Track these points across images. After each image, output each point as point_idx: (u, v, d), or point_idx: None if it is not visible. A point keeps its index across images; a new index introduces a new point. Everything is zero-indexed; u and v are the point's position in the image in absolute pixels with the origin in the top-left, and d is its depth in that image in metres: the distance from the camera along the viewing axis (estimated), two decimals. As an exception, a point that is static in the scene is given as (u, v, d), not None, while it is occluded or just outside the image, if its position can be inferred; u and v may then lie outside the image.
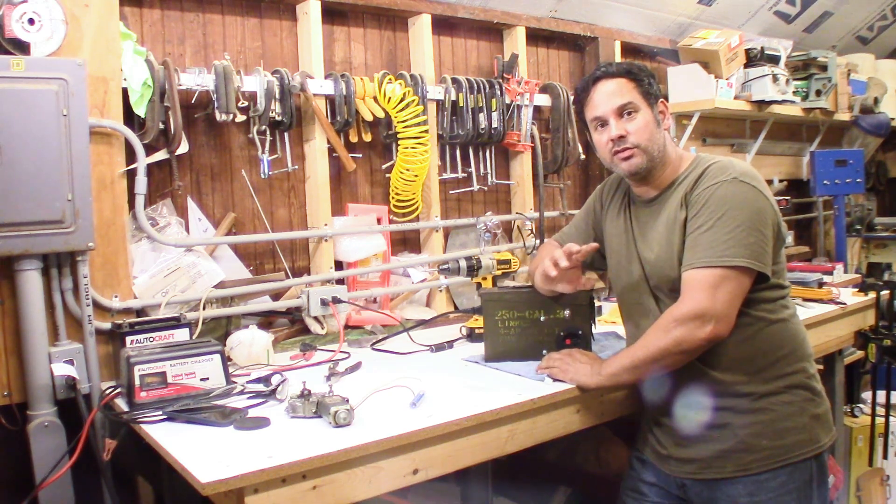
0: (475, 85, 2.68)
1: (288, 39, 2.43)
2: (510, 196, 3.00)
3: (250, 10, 2.36)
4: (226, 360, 1.74)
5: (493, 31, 2.96)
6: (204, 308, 2.07)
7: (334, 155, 2.41)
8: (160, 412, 1.55)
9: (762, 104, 3.48)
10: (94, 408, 1.71)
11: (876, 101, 4.19)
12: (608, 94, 1.64)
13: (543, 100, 2.95)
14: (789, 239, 4.05)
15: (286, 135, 2.33)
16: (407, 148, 2.49)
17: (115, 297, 1.94)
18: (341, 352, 2.10)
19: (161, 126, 2.02)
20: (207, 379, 1.68)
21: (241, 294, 2.21)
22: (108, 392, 1.73)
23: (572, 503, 2.30)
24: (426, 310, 2.66)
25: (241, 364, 1.95)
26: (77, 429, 1.67)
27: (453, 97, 2.64)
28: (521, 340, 1.92)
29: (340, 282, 2.44)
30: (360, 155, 2.52)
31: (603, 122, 1.66)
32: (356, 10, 2.57)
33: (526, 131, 2.85)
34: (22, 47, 1.73)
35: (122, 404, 1.66)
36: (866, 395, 3.15)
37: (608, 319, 2.45)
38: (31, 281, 1.73)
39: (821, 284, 2.70)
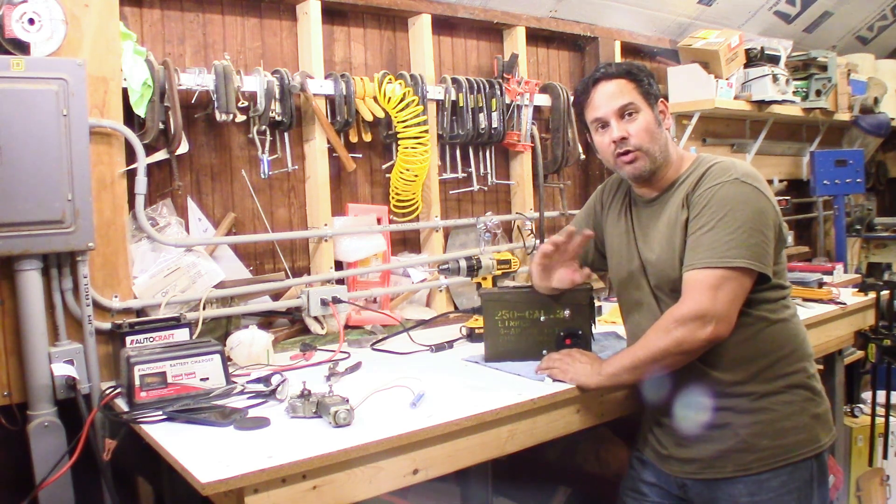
0: (475, 85, 2.68)
1: (288, 39, 2.43)
2: (510, 196, 3.00)
3: (250, 10, 2.36)
4: (226, 360, 1.74)
5: (493, 31, 2.96)
6: (204, 308, 2.07)
7: (334, 155, 2.41)
8: (160, 412, 1.55)
9: (762, 104, 3.48)
10: (94, 408, 1.71)
11: (876, 101, 4.19)
12: (608, 96, 1.64)
13: (543, 100, 2.95)
14: (789, 239, 4.05)
15: (286, 135, 2.33)
16: (407, 148, 2.49)
17: (115, 297, 1.94)
18: (341, 352, 2.10)
19: (161, 126, 2.02)
20: (207, 379, 1.68)
21: (241, 294, 2.21)
22: (108, 392, 1.73)
23: (572, 503, 2.30)
24: (426, 310, 2.66)
25: (241, 364, 1.95)
26: (77, 429, 1.67)
27: (453, 97, 2.64)
28: (521, 340, 1.92)
29: (340, 282, 2.44)
30: (360, 155, 2.52)
31: (604, 124, 1.66)
32: (356, 10, 2.57)
33: (526, 131, 2.85)
34: (22, 47, 1.73)
35: (122, 404, 1.66)
36: (866, 395, 3.15)
37: (608, 319, 2.45)
38: (31, 281, 1.73)
39: (821, 284, 2.70)
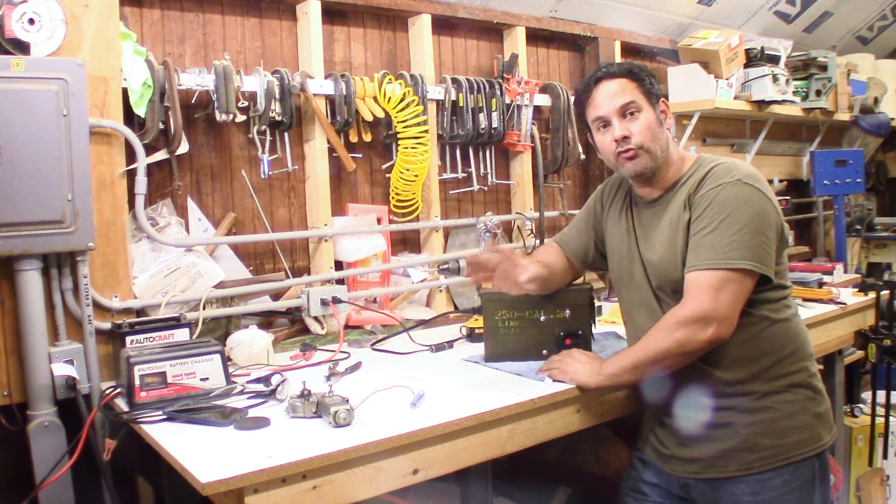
0: (475, 85, 2.68)
1: (288, 39, 2.43)
2: (510, 196, 3.00)
3: (250, 10, 2.36)
4: (226, 360, 1.74)
5: (493, 31, 2.96)
6: (204, 308, 2.07)
7: (334, 155, 2.41)
8: (160, 412, 1.55)
9: (762, 104, 3.48)
10: (94, 408, 1.71)
11: (876, 101, 4.19)
12: (610, 95, 1.64)
13: (543, 100, 2.94)
14: (790, 239, 4.05)
15: (286, 135, 2.33)
16: (407, 148, 2.49)
17: (115, 297, 1.94)
18: (341, 352, 2.10)
19: (161, 126, 2.02)
20: (207, 379, 1.68)
21: (241, 294, 2.21)
22: (108, 392, 1.73)
23: (572, 503, 2.30)
24: (426, 310, 2.66)
25: (241, 364, 1.95)
26: (77, 429, 1.67)
27: (453, 97, 2.64)
28: (521, 340, 1.92)
29: (340, 282, 2.44)
30: (360, 155, 2.52)
31: (605, 123, 1.66)
32: (356, 10, 2.57)
33: (526, 131, 2.85)
34: (22, 47, 1.73)
35: (122, 404, 1.66)
36: (866, 395, 3.15)
37: (608, 319, 2.45)
38: (31, 281, 1.73)
39: (821, 284, 2.70)
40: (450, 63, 2.85)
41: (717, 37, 3.30)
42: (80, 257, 1.80)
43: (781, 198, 3.72)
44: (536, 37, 3.09)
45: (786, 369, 1.59)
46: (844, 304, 2.55)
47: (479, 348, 2.02)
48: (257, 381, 1.78)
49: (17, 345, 1.76)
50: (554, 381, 1.71)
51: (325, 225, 2.41)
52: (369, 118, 2.43)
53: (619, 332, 2.20)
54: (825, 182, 3.81)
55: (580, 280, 2.03)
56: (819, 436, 1.60)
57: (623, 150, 1.63)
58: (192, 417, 1.52)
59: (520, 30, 2.93)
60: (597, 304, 2.22)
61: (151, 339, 1.87)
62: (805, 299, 2.54)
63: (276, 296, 2.35)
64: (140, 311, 2.00)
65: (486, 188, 2.85)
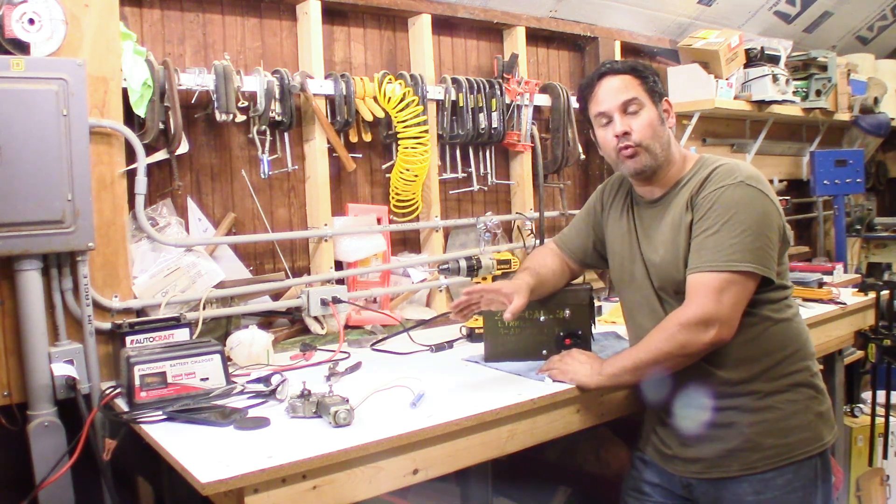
0: (475, 85, 2.68)
1: (288, 39, 2.43)
2: (510, 196, 3.00)
3: (250, 10, 2.36)
4: (226, 360, 1.74)
5: (493, 31, 2.96)
6: (204, 308, 2.07)
7: (334, 155, 2.41)
8: (160, 412, 1.56)
9: (762, 104, 3.47)
10: (94, 408, 1.71)
11: (876, 101, 4.19)
12: (613, 90, 1.64)
13: (543, 100, 2.94)
14: (791, 240, 4.04)
15: (286, 135, 2.33)
16: (407, 148, 2.49)
17: (115, 297, 1.94)
18: (341, 352, 2.10)
19: (161, 126, 2.02)
20: (207, 379, 1.68)
21: (241, 294, 2.21)
22: (108, 392, 1.73)
23: (572, 503, 2.30)
24: (426, 310, 2.66)
25: (241, 364, 1.95)
26: (77, 429, 1.67)
27: (453, 97, 2.64)
28: (521, 340, 1.92)
29: (340, 282, 2.44)
30: (360, 155, 2.52)
31: (607, 119, 1.65)
32: (356, 10, 2.57)
33: (526, 131, 2.85)
34: (22, 47, 1.73)
35: (122, 404, 1.66)
36: (866, 395, 3.15)
37: (608, 319, 2.45)
38: (31, 281, 1.73)
39: (821, 284, 2.70)
40: (450, 63, 2.85)
41: (717, 37, 3.30)
42: (80, 257, 1.80)
43: (781, 198, 3.71)
44: (536, 37, 3.09)
45: (788, 369, 1.59)
46: (844, 304, 2.55)
47: (479, 348, 2.02)
48: (257, 381, 1.78)
49: (17, 345, 1.76)
50: (554, 381, 1.71)
51: (325, 225, 2.41)
52: (369, 118, 2.43)
53: (619, 332, 2.21)
54: (825, 182, 3.81)
55: (580, 280, 2.03)
56: (821, 435, 1.60)
57: (623, 147, 1.63)
58: (192, 417, 1.52)
59: (520, 30, 2.93)
60: (597, 304, 2.22)
61: (151, 339, 1.87)
62: (805, 299, 2.54)
63: (276, 296, 2.35)
64: (140, 311, 2.00)
65: (486, 188, 2.85)
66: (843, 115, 4.07)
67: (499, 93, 2.74)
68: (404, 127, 2.47)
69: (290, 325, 2.35)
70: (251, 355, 1.97)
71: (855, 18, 4.34)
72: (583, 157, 3.06)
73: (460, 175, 2.76)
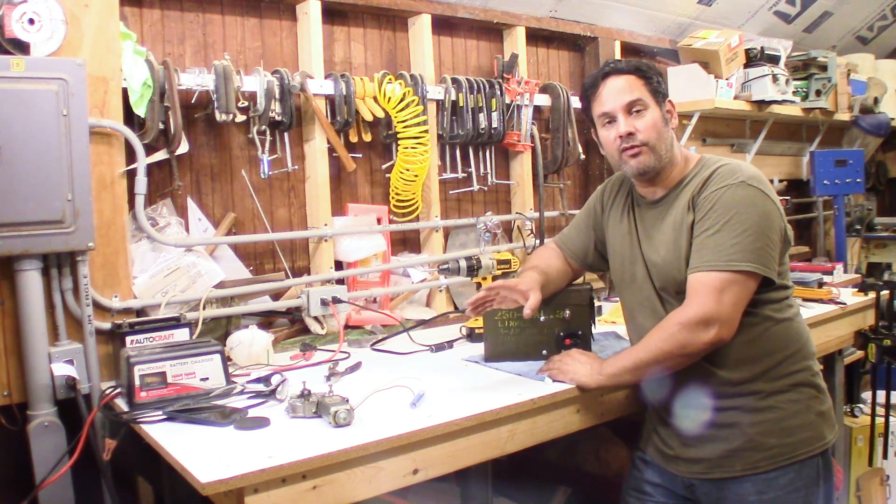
0: (475, 85, 2.68)
1: (288, 39, 2.43)
2: (510, 196, 3.00)
3: (250, 10, 2.36)
4: (226, 360, 1.74)
5: (493, 31, 2.96)
6: (204, 308, 2.07)
7: (334, 155, 2.41)
8: (160, 412, 1.55)
9: (762, 104, 3.47)
10: (94, 408, 1.71)
11: (876, 101, 4.19)
12: (617, 91, 1.64)
13: (543, 100, 2.94)
14: (792, 240, 4.04)
15: (286, 135, 2.33)
16: (407, 148, 2.49)
17: (115, 297, 1.94)
18: (341, 352, 2.10)
19: (161, 126, 2.02)
20: (207, 379, 1.68)
21: (241, 294, 2.21)
22: (108, 392, 1.73)
23: (572, 503, 2.30)
24: (426, 310, 2.66)
25: (241, 364, 1.95)
26: (77, 429, 1.67)
27: (453, 97, 2.64)
28: (521, 340, 1.92)
29: (340, 282, 2.44)
30: (360, 155, 2.52)
31: (611, 119, 1.65)
32: (356, 10, 2.57)
33: (526, 131, 2.85)
34: (22, 47, 1.73)
35: (122, 404, 1.66)
36: (866, 395, 3.15)
37: (608, 319, 2.44)
38: (31, 281, 1.73)
39: (821, 284, 2.69)
40: (450, 63, 2.85)
41: (717, 37, 3.30)
42: (80, 257, 1.80)
43: (782, 198, 3.71)
44: (536, 37, 3.09)
45: (789, 368, 1.60)
46: (844, 304, 2.55)
47: (479, 348, 2.02)
48: (257, 381, 1.78)
49: (17, 345, 1.76)
50: (554, 381, 1.70)
51: (325, 225, 2.40)
52: (369, 118, 2.43)
53: (619, 332, 2.21)
54: (825, 182, 3.81)
55: (580, 280, 2.03)
56: (822, 434, 1.60)
57: (627, 147, 1.62)
58: (192, 417, 1.52)
59: (520, 30, 2.93)
60: (597, 304, 2.22)
61: (151, 339, 1.87)
62: (805, 299, 2.54)
63: (276, 296, 2.35)
64: (140, 311, 2.00)
65: (486, 188, 2.85)
66: (843, 115, 4.07)
67: (499, 93, 2.74)
68: (404, 127, 2.47)
69: (290, 325, 2.35)
70: (251, 355, 1.97)
71: (855, 18, 4.34)
72: (583, 157, 3.06)
73: (460, 175, 2.76)
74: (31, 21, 1.73)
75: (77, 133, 1.74)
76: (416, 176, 2.54)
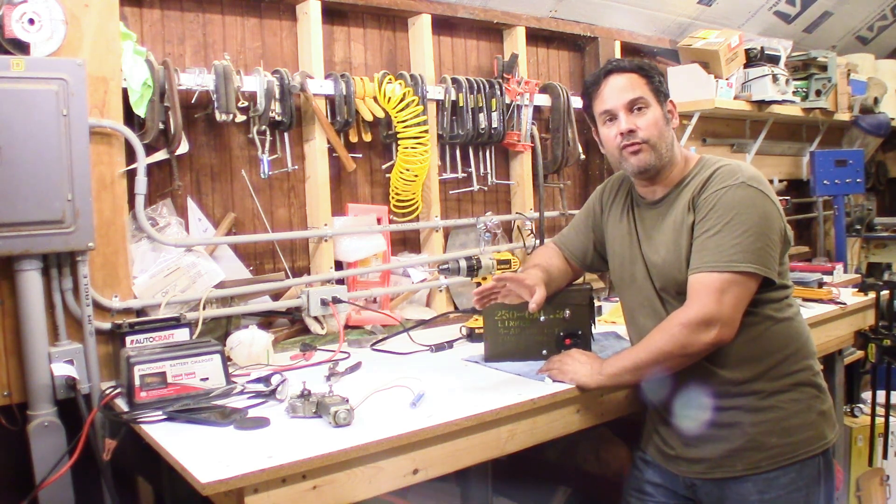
0: (475, 85, 2.68)
1: (288, 39, 2.43)
2: (510, 196, 3.00)
3: (250, 10, 2.36)
4: (226, 360, 1.74)
5: (493, 31, 2.96)
6: (204, 308, 2.07)
7: (334, 155, 2.41)
8: (160, 412, 1.55)
9: (762, 104, 3.47)
10: (94, 408, 1.71)
11: (876, 101, 4.19)
12: (619, 89, 1.64)
13: (543, 100, 2.94)
14: (792, 241, 4.04)
15: (286, 135, 2.33)
16: (407, 148, 2.49)
17: (115, 297, 1.94)
18: (341, 352, 2.10)
19: (161, 126, 2.02)
20: (207, 379, 1.68)
21: (241, 294, 2.21)
22: (108, 392, 1.73)
23: (572, 503, 2.30)
24: (426, 310, 2.66)
25: (241, 364, 1.95)
26: (77, 429, 1.67)
27: (453, 97, 2.64)
28: (520, 340, 1.92)
29: (340, 282, 2.44)
30: (360, 155, 2.52)
31: (612, 117, 1.65)
32: (356, 10, 2.57)
33: (526, 131, 2.85)
34: (22, 47, 1.73)
35: (122, 404, 1.66)
36: (866, 395, 3.15)
37: (608, 319, 2.45)
38: (31, 281, 1.73)
39: (821, 284, 2.69)
40: (450, 63, 2.85)
41: (717, 37, 3.30)
42: (79, 257, 1.80)
43: (781, 198, 3.71)
44: (536, 37, 3.09)
45: (790, 368, 1.60)
46: (844, 304, 2.55)
47: (479, 348, 2.02)
48: (257, 381, 1.78)
49: (17, 345, 1.76)
50: (554, 381, 1.70)
51: (325, 225, 2.40)
52: (369, 118, 2.43)
53: (619, 332, 2.21)
54: (825, 182, 3.81)
55: (580, 280, 2.03)
56: (823, 434, 1.61)
57: (628, 144, 1.62)
58: (192, 417, 1.52)
59: (520, 30, 2.93)
60: (597, 304, 2.22)
61: (151, 339, 1.87)
62: (805, 299, 2.54)
63: (276, 296, 2.35)
64: (140, 311, 2.00)
65: (486, 188, 2.85)
66: (843, 115, 4.06)
67: (499, 93, 2.74)
68: (404, 127, 2.47)
69: (290, 325, 2.35)
70: (251, 355, 1.97)
71: (855, 18, 4.34)
72: (583, 157, 3.06)
73: (460, 175, 2.76)
74: (31, 21, 1.73)
75: (77, 133, 1.74)
76: (416, 176, 2.54)
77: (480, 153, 2.82)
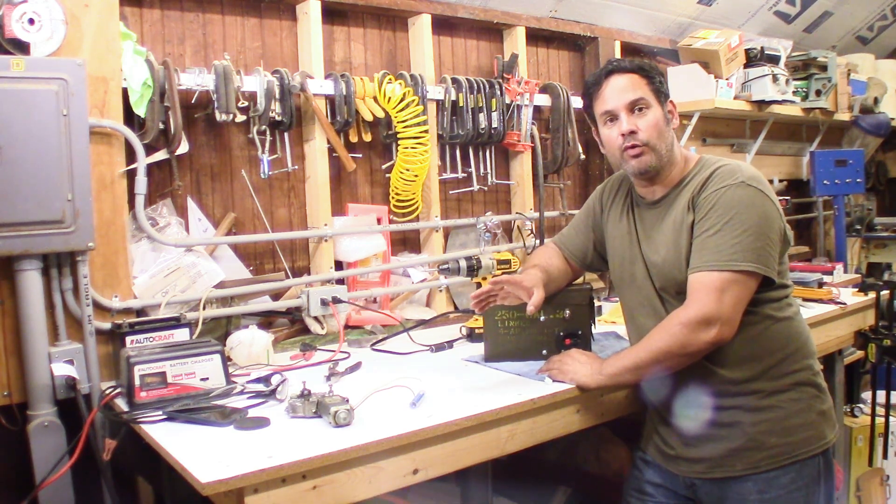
0: (475, 85, 2.68)
1: (288, 39, 2.43)
2: (510, 196, 3.00)
3: (250, 10, 2.36)
4: (226, 360, 1.74)
5: (493, 31, 2.96)
6: (204, 308, 2.07)
7: (334, 155, 2.41)
8: (160, 412, 1.55)
9: (762, 104, 3.47)
10: (94, 408, 1.71)
11: (876, 101, 4.19)
12: (620, 89, 1.64)
13: (543, 100, 2.94)
14: (791, 240, 4.04)
15: (286, 135, 2.33)
16: (407, 148, 2.49)
17: (115, 297, 1.94)
18: (341, 352, 2.10)
19: (161, 126, 2.02)
20: (207, 379, 1.68)
21: (241, 294, 2.21)
22: (108, 392, 1.73)
23: (572, 503, 2.30)
24: (426, 310, 2.66)
25: (241, 364, 1.95)
26: (77, 429, 1.67)
27: (453, 97, 2.64)
28: (520, 340, 1.92)
29: (340, 282, 2.44)
30: (360, 155, 2.52)
31: (613, 117, 1.65)
32: (356, 10, 2.57)
33: (526, 131, 2.85)
34: (22, 47, 1.73)
35: (122, 404, 1.66)
36: (866, 395, 3.15)
37: (608, 319, 2.45)
38: (31, 281, 1.73)
39: (821, 284, 2.70)
40: (450, 63, 2.85)
41: (717, 37, 3.30)
42: (79, 257, 1.80)
43: (781, 198, 3.71)
44: (536, 37, 3.09)
45: (790, 367, 1.60)
46: (844, 304, 2.55)
47: (479, 348, 2.02)
48: (257, 381, 1.78)
49: (17, 345, 1.76)
50: (554, 381, 1.70)
51: (325, 225, 2.41)
52: (369, 118, 2.43)
53: (619, 332, 2.21)
54: (825, 182, 3.81)
55: (580, 280, 2.03)
56: (823, 433, 1.61)
57: (629, 146, 1.63)
58: (192, 417, 1.52)
59: (520, 30, 2.93)
60: (597, 304, 2.22)
61: (151, 339, 1.87)
62: (805, 299, 2.54)
63: (276, 296, 2.35)
64: (140, 311, 2.00)
65: (486, 188, 2.85)
66: (843, 115, 4.07)
67: (499, 93, 2.74)
68: (404, 127, 2.47)
69: (290, 325, 2.35)
70: (251, 355, 1.97)
71: (855, 18, 4.34)
72: (583, 157, 3.06)
73: (460, 175, 2.76)
74: (31, 21, 1.73)
75: (77, 133, 1.74)
76: (416, 176, 2.54)
77: (480, 153, 2.82)
